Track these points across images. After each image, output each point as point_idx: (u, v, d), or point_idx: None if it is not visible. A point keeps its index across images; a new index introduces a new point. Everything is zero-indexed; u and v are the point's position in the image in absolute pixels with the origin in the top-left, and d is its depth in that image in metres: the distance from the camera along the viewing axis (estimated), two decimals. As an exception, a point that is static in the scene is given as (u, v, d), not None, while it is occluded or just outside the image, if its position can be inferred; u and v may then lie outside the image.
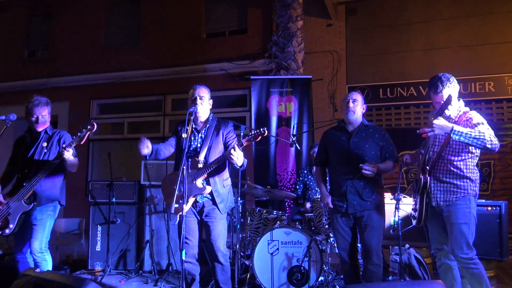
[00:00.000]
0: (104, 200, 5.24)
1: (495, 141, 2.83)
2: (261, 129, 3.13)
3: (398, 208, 3.73)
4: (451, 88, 3.03)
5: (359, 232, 3.42)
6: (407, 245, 4.46)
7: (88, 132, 3.37)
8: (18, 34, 10.18)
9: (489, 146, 2.81)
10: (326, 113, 7.63)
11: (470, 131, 2.83)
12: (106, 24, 9.59)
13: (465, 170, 3.03)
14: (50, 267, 3.61)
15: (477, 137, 2.81)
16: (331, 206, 3.52)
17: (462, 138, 2.84)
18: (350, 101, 3.47)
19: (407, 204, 4.56)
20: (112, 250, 5.15)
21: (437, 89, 3.01)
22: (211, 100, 3.57)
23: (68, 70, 9.40)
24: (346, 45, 7.80)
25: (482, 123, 2.95)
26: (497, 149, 2.84)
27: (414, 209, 3.27)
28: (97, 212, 5.31)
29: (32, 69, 9.80)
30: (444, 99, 2.91)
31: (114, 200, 5.09)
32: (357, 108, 3.48)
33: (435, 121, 2.84)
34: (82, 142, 3.41)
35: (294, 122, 6.48)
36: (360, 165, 3.25)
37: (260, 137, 3.15)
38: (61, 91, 9.35)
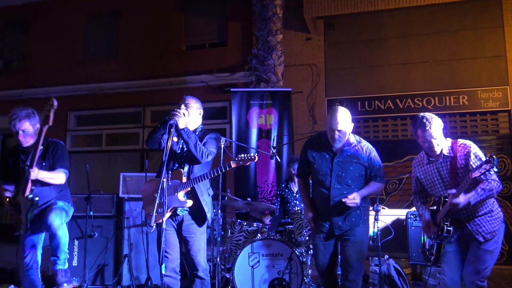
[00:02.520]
0: (81, 213, 5.11)
1: (497, 184, 2.85)
2: (252, 155, 3.16)
3: (377, 219, 3.80)
4: (438, 124, 3.00)
5: (341, 244, 3.30)
6: (386, 256, 4.51)
7: (52, 110, 3.57)
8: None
9: (497, 191, 2.86)
10: (306, 125, 7.71)
11: (482, 193, 2.81)
12: (84, 35, 9.50)
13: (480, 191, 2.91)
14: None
15: (489, 192, 2.83)
16: (312, 224, 3.43)
17: (478, 200, 2.85)
18: (336, 132, 3.20)
19: (387, 215, 4.64)
20: (89, 265, 5.01)
21: (425, 127, 2.98)
22: (201, 110, 3.49)
23: (44, 81, 9.22)
24: (325, 59, 7.92)
25: (489, 165, 2.71)
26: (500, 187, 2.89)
27: (430, 251, 3.19)
28: (74, 225, 5.17)
29: (6, 80, 9.57)
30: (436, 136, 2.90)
31: (91, 213, 4.97)
32: (344, 137, 3.26)
33: (457, 200, 2.77)
34: (50, 123, 3.62)
35: (274, 134, 6.51)
36: (343, 200, 3.12)
37: (249, 162, 3.18)
38: (36, 102, 9.13)
